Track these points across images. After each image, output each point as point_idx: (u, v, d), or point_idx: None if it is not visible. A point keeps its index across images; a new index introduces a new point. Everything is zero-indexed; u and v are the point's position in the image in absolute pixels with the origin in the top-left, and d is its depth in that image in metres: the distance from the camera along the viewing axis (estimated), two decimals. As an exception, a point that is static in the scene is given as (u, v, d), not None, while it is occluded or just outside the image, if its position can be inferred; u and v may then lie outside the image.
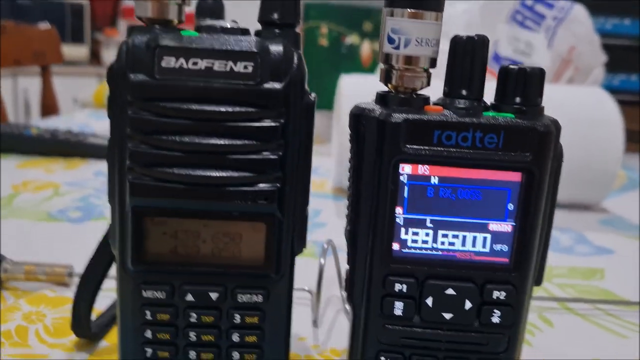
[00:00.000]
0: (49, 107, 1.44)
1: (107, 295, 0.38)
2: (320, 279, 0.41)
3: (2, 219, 0.57)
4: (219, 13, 0.55)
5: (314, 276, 0.41)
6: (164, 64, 0.27)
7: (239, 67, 0.27)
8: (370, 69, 1.02)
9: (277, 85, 0.27)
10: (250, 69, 0.27)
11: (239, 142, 0.27)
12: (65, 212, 0.61)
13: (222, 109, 0.27)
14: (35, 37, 1.37)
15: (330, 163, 0.82)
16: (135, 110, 0.27)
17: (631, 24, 1.28)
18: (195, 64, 0.27)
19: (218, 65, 0.27)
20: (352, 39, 1.02)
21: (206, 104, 0.27)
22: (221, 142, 0.27)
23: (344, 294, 0.44)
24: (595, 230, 0.66)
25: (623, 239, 0.64)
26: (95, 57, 2.70)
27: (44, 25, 1.50)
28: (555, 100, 0.74)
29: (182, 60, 0.27)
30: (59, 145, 0.81)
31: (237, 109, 0.27)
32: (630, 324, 0.44)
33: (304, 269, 0.38)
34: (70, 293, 0.43)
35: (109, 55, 2.52)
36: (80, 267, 0.45)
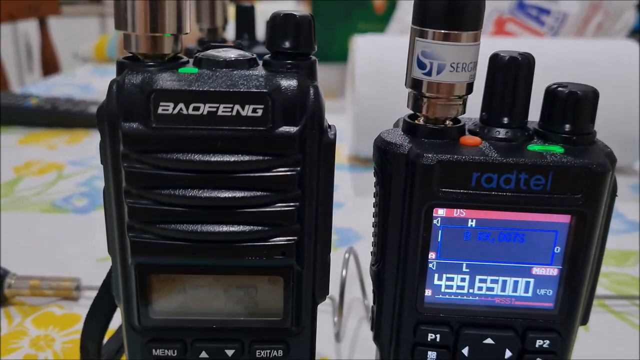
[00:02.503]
0: (49, 62, 1.40)
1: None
2: (342, 292, 0.39)
3: (3, 212, 0.54)
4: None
5: (333, 274, 0.38)
6: (160, 110, 0.23)
7: (247, 111, 0.23)
8: (385, 17, 0.95)
9: (291, 130, 0.24)
10: (260, 113, 0.23)
11: (249, 194, 0.24)
12: (70, 199, 0.58)
13: (230, 159, 0.24)
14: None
15: (344, 122, 0.78)
16: (130, 162, 0.24)
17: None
18: (196, 109, 0.23)
19: (223, 110, 0.23)
20: (364, -16, 0.95)
21: (211, 154, 0.24)
22: (230, 195, 0.24)
23: (367, 303, 0.42)
24: (627, 200, 0.62)
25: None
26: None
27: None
28: (581, 56, 0.69)
29: (181, 106, 0.23)
30: (60, 117, 0.77)
31: (247, 158, 0.24)
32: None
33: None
34: (78, 308, 0.41)
35: (111, 2, 2.43)
36: (87, 272, 0.44)
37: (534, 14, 0.81)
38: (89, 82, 1.05)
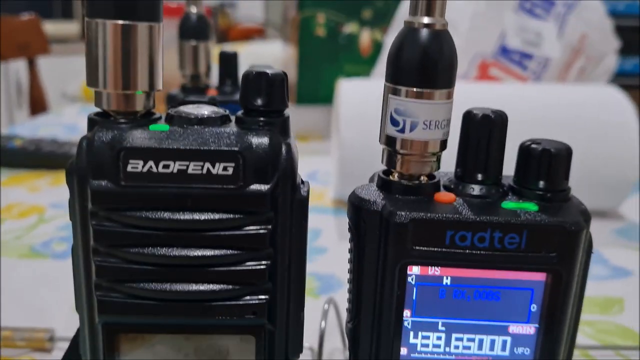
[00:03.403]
0: (37, 101, 1.40)
1: None
2: (322, 342, 0.38)
3: (-18, 258, 0.53)
4: (204, 32, 0.50)
5: (313, 323, 0.38)
6: (130, 168, 0.23)
7: (218, 169, 0.23)
8: (370, 60, 0.97)
9: (263, 188, 0.23)
10: (230, 171, 0.23)
11: (220, 252, 0.24)
12: (50, 244, 0.57)
13: (200, 217, 0.23)
14: (19, 28, 1.31)
15: (329, 164, 0.78)
16: (98, 220, 0.23)
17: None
18: (166, 167, 0.23)
19: (193, 168, 0.23)
20: (350, 27, 0.97)
21: (181, 213, 0.23)
22: (200, 253, 0.24)
23: (347, 354, 0.41)
24: (611, 245, 0.62)
25: (641, 255, 0.60)
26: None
27: (27, 15, 1.44)
28: (566, 100, 0.70)
29: (151, 163, 0.23)
30: (44, 158, 0.77)
31: (217, 216, 0.23)
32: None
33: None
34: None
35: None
36: (63, 322, 0.43)
37: (517, 58, 0.82)
38: (76, 122, 1.05)
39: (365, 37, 0.97)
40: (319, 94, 0.97)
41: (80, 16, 2.62)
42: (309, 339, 0.41)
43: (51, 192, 0.71)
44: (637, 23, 1.19)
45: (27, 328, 0.41)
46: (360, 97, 0.68)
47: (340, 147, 0.66)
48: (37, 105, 1.41)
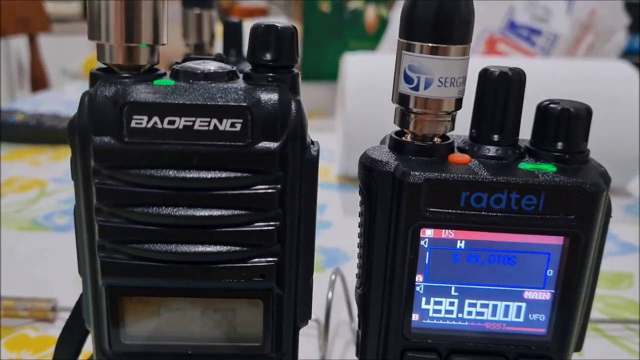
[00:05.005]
0: (38, 78, 1.38)
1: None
2: (328, 314, 0.37)
3: (-17, 230, 0.53)
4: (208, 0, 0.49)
5: (319, 295, 0.37)
6: (134, 124, 0.22)
7: (225, 126, 0.22)
8: (376, 36, 0.95)
9: (271, 146, 0.22)
10: (238, 127, 0.22)
11: (227, 213, 0.23)
12: (51, 217, 0.57)
13: (206, 175, 0.22)
14: (19, 3, 1.29)
15: (333, 141, 0.77)
16: (101, 178, 0.22)
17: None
18: (171, 122, 0.22)
19: (199, 124, 0.22)
20: (355, 3, 0.95)
21: (186, 171, 0.22)
22: (206, 213, 0.23)
23: (354, 326, 0.41)
24: (620, 222, 0.61)
25: (650, 231, 0.60)
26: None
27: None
28: (574, 75, 0.69)
29: (155, 119, 0.22)
30: (45, 133, 0.76)
31: (224, 175, 0.22)
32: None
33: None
34: (53, 330, 0.39)
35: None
36: (65, 292, 0.42)
37: (525, 34, 0.80)
38: (77, 99, 1.04)
39: (371, 13, 0.96)
40: (323, 70, 0.96)
41: (81, -5, 2.60)
42: (315, 311, 0.40)
43: (53, 167, 0.71)
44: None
45: (29, 298, 0.40)
46: (366, 71, 0.67)
47: (345, 120, 0.65)
48: (38, 82, 1.40)
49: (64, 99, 1.04)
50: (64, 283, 0.44)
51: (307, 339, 0.40)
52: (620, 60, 0.72)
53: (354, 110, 0.64)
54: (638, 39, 1.16)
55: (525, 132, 0.26)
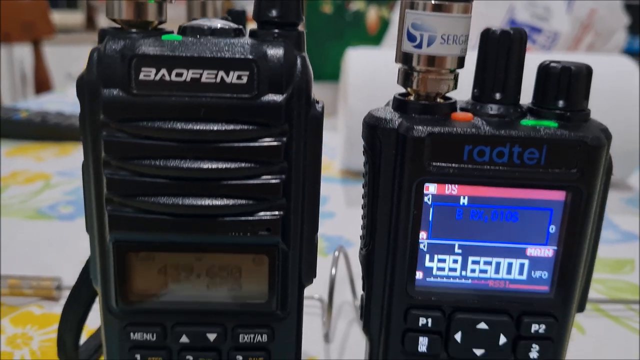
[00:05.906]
0: (42, 82, 1.39)
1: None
2: (332, 290, 0.38)
3: (-12, 218, 0.53)
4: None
5: (323, 278, 0.37)
6: (142, 76, 0.22)
7: (232, 78, 0.22)
8: (377, 37, 0.96)
9: (277, 98, 0.23)
10: (245, 80, 0.23)
11: (233, 165, 0.23)
12: (56, 207, 0.57)
13: (213, 127, 0.23)
14: (23, 8, 1.30)
15: (336, 139, 0.78)
16: (110, 131, 0.23)
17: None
18: (179, 75, 0.22)
19: (206, 76, 0.22)
20: (357, 4, 0.96)
21: (194, 123, 0.23)
22: (213, 166, 0.23)
23: (357, 304, 0.41)
24: (621, 213, 0.62)
25: (651, 222, 0.60)
26: (91, 24, 2.63)
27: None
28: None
29: (163, 72, 0.22)
30: (50, 130, 0.76)
31: (231, 127, 0.23)
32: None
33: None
34: (58, 308, 0.39)
35: (106, 21, 2.45)
36: (70, 274, 0.42)
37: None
38: (81, 100, 1.04)
39: (373, 15, 0.97)
40: (325, 71, 0.96)
41: (85, 6, 2.62)
42: (319, 290, 0.41)
43: (57, 162, 0.71)
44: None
45: (34, 277, 0.40)
46: (369, 65, 0.67)
47: (347, 114, 0.65)
48: (42, 86, 1.41)
49: (67, 100, 1.05)
50: (68, 268, 0.44)
51: (311, 318, 0.40)
52: (621, 55, 0.72)
53: (356, 104, 0.65)
54: (638, 40, 1.17)
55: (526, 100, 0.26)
